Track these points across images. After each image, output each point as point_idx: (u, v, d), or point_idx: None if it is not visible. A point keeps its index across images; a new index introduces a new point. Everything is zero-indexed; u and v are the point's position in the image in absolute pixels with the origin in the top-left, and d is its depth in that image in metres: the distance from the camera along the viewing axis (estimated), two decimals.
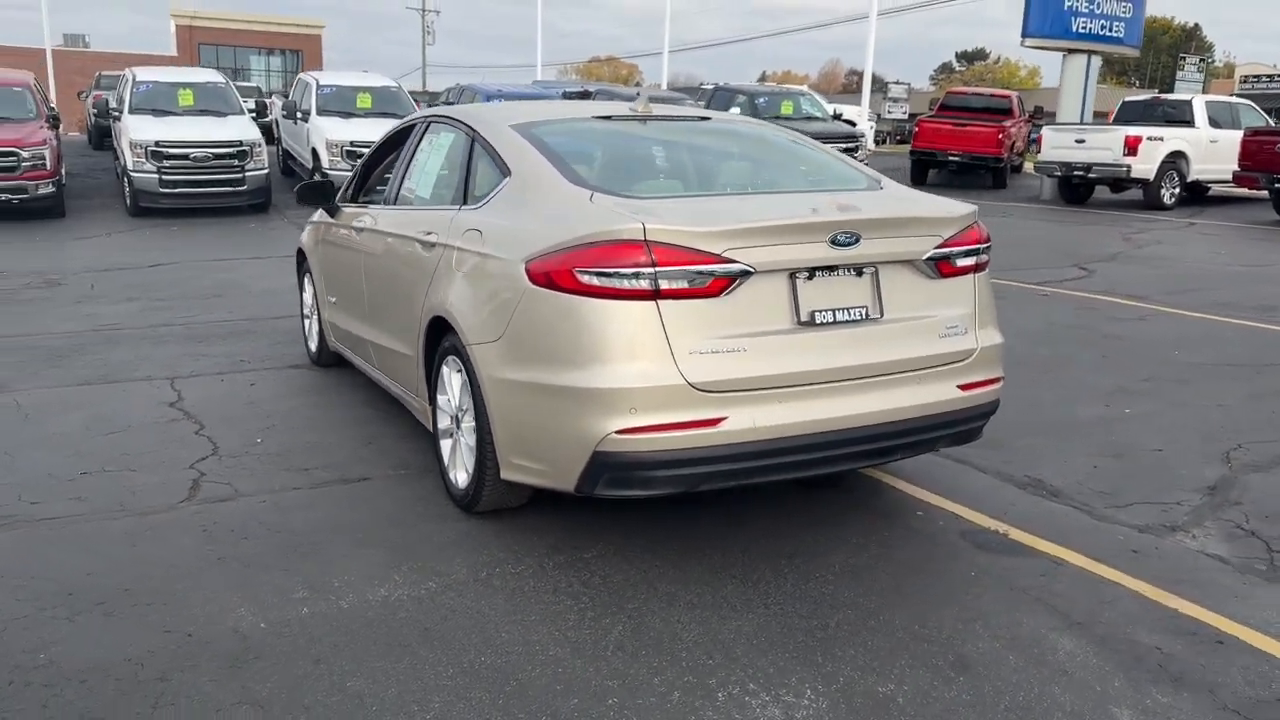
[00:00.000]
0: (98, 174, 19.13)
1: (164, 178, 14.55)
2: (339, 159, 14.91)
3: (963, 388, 3.91)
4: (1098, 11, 19.52)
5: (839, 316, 3.67)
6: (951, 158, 21.24)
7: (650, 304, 3.39)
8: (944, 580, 3.73)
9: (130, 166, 14.57)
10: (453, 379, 4.17)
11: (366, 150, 6.72)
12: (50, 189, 13.95)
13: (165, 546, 3.88)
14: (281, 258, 10.82)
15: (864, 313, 3.72)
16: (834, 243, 3.59)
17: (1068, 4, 19.27)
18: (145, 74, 16.68)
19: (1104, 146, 17.70)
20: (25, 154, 13.80)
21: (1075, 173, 18.14)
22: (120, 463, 4.81)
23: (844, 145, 18.67)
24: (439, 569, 3.72)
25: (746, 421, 3.46)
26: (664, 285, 3.38)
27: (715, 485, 3.59)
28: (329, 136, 15.30)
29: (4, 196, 13.60)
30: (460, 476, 4.19)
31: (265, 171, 15.23)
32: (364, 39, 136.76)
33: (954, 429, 3.95)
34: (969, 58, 68.86)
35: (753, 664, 3.13)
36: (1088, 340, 7.73)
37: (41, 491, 4.43)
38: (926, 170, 21.94)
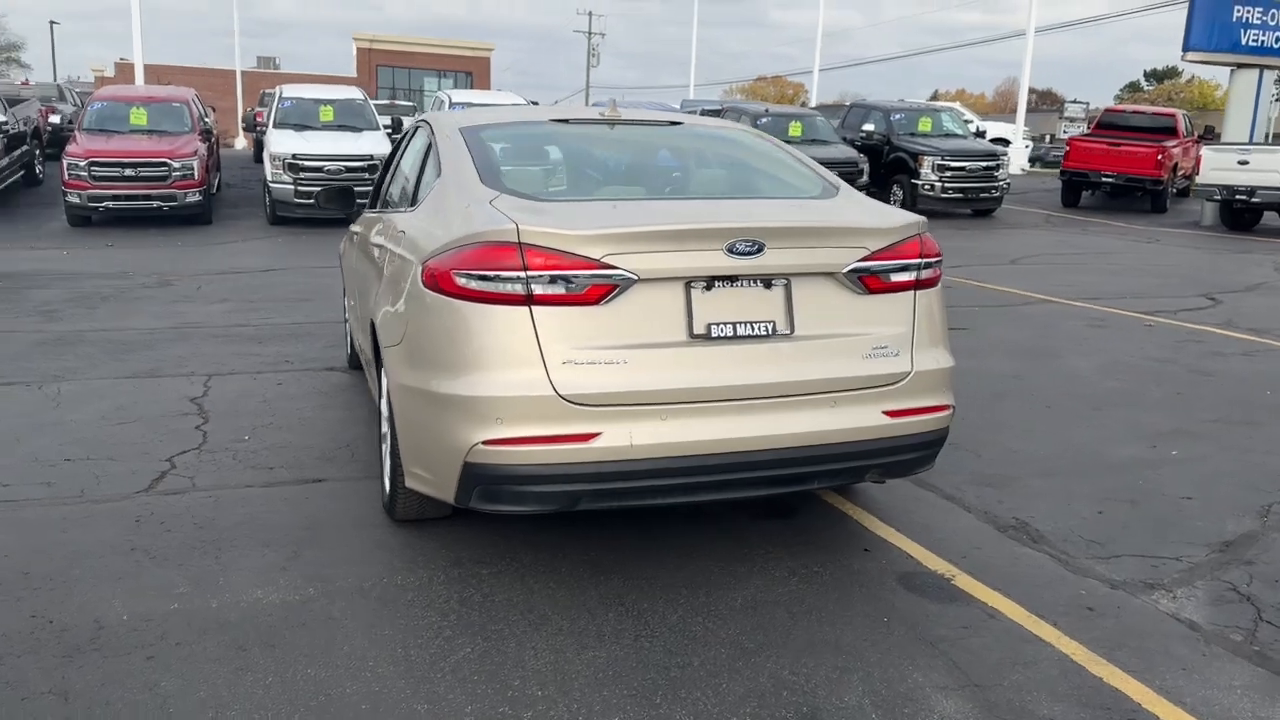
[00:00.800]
0: (253, 184, 20.31)
1: (299, 189, 15.27)
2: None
3: (891, 414, 3.56)
4: (1272, 23, 17.94)
5: (740, 331, 3.41)
6: (1105, 179, 19.95)
7: (523, 309, 3.23)
8: (848, 624, 3.40)
9: (270, 178, 15.37)
10: (381, 384, 4.13)
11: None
12: (198, 197, 14.85)
13: (90, 534, 3.98)
14: None
15: (770, 328, 3.45)
16: (732, 251, 3.34)
17: (1237, 15, 17.80)
18: (291, 90, 17.62)
19: (1270, 168, 16.21)
20: (175, 164, 14.75)
21: (1238, 196, 16.69)
22: (107, 452, 4.99)
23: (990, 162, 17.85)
24: (327, 575, 3.66)
25: (623, 438, 3.25)
26: (537, 290, 3.22)
27: (596, 505, 3.40)
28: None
29: (155, 203, 14.58)
30: (386, 484, 4.13)
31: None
32: (539, 60, 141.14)
33: (882, 459, 3.61)
34: (1159, 76, 64.72)
35: (583, 699, 2.92)
36: (1169, 375, 7.02)
37: (19, 475, 4.64)
38: (1079, 191, 20.71)
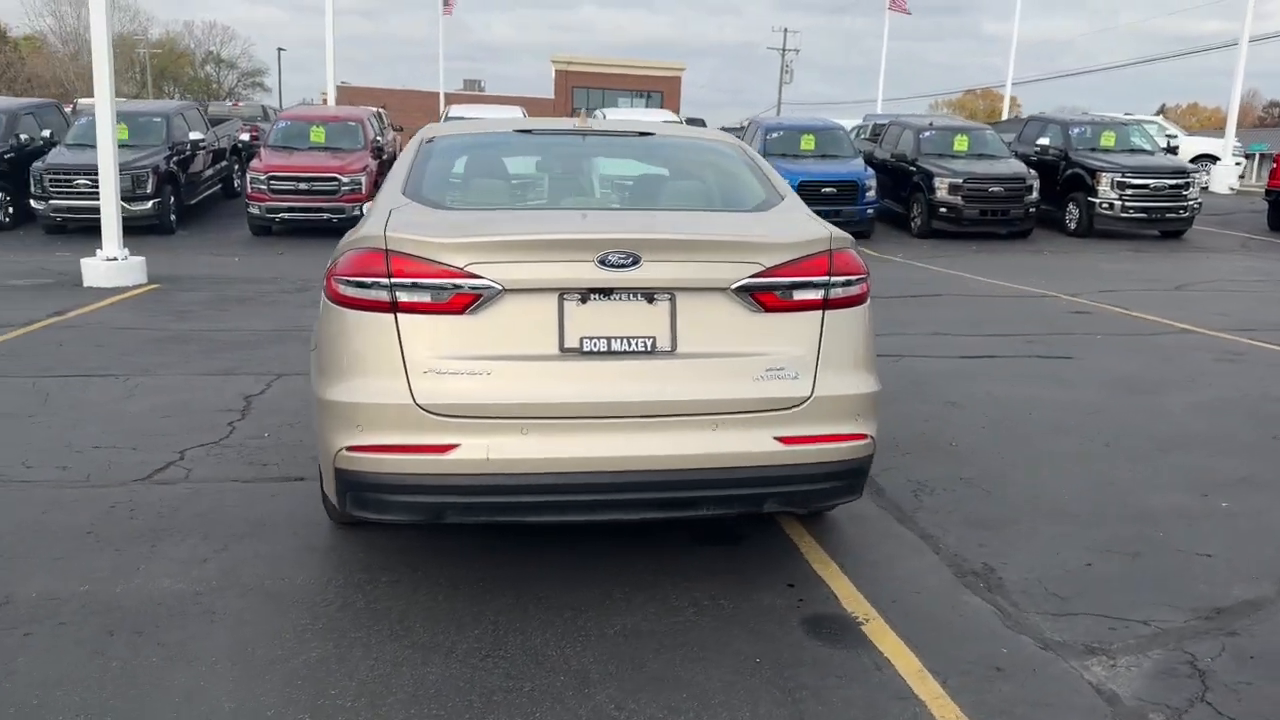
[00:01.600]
0: None
1: None
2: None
3: (785, 440, 3.33)
4: None
5: (615, 346, 3.28)
6: None
7: (388, 316, 3.23)
8: (714, 663, 3.19)
9: None
10: None
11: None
12: (362, 211, 15.81)
13: (64, 517, 4.28)
14: None
15: (650, 344, 3.29)
16: (604, 263, 3.21)
17: None
18: (458, 110, 18.45)
19: None
20: (344, 179, 15.74)
21: None
22: (135, 441, 5.35)
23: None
24: (237, 571, 3.78)
25: (480, 452, 3.19)
26: (402, 298, 3.21)
27: (465, 519, 3.35)
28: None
29: (325, 215, 15.58)
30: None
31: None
32: (737, 77, 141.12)
33: (778, 488, 3.37)
34: None
35: (386, 716, 2.87)
36: (1276, 419, 6.21)
37: (46, 458, 5.05)
38: None
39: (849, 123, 28.74)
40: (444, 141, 4.31)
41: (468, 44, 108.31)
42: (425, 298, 3.21)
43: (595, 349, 3.26)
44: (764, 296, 3.33)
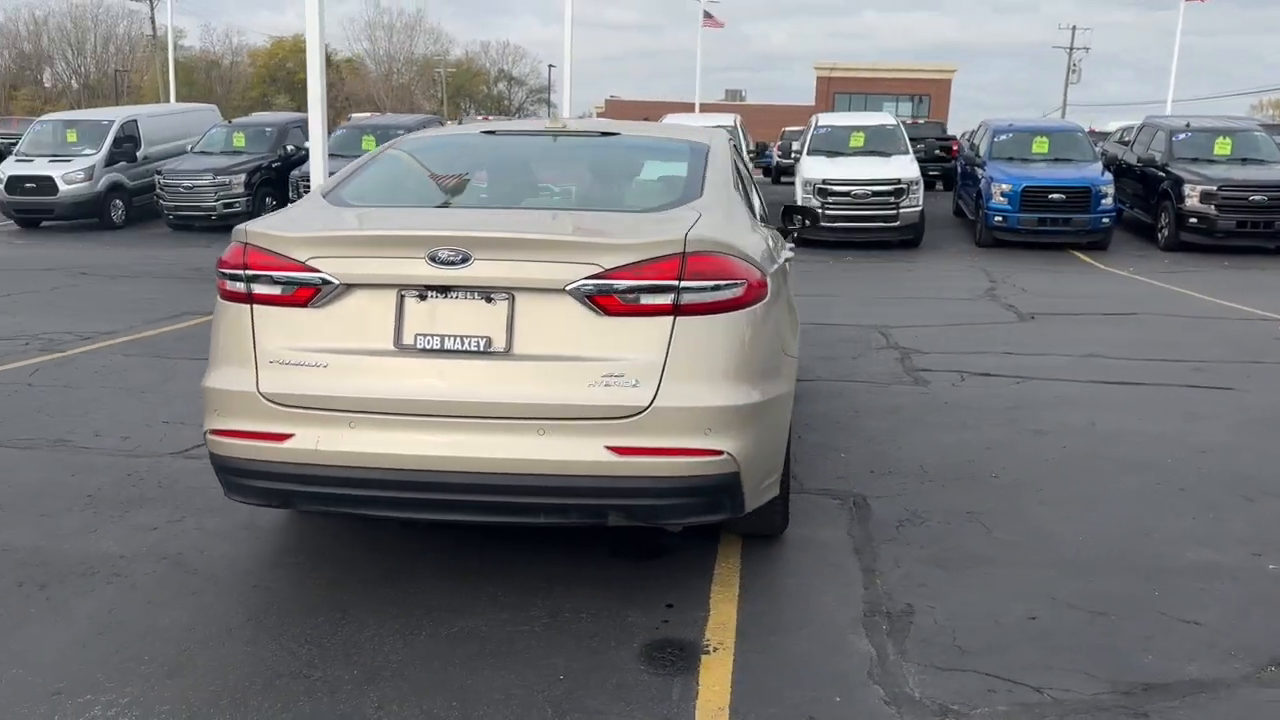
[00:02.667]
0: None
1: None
2: (811, 196, 15.82)
3: (619, 450, 3.15)
4: None
5: (448, 344, 3.23)
6: None
7: (245, 307, 3.37)
8: (511, 672, 3.07)
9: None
10: None
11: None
12: None
13: (83, 480, 4.78)
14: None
15: (484, 344, 3.22)
16: (434, 260, 3.18)
17: None
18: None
19: None
20: None
21: None
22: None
23: None
24: (166, 541, 4.06)
25: (310, 442, 3.26)
26: (255, 290, 3.34)
27: (310, 507, 3.43)
28: (805, 175, 16.16)
29: None
30: None
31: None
32: (1034, 77, 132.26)
33: (616, 500, 3.19)
34: None
35: (170, 680, 3.00)
36: None
37: (120, 428, 5.66)
38: None
39: (1118, 124, 26.53)
40: (415, 140, 4.46)
41: (745, 54, 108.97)
42: (274, 290, 3.32)
43: (428, 346, 3.24)
44: (603, 300, 3.17)
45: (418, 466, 3.19)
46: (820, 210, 14.87)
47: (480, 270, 3.18)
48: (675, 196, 3.75)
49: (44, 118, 21.46)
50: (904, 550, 4.05)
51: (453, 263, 3.17)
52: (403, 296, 3.25)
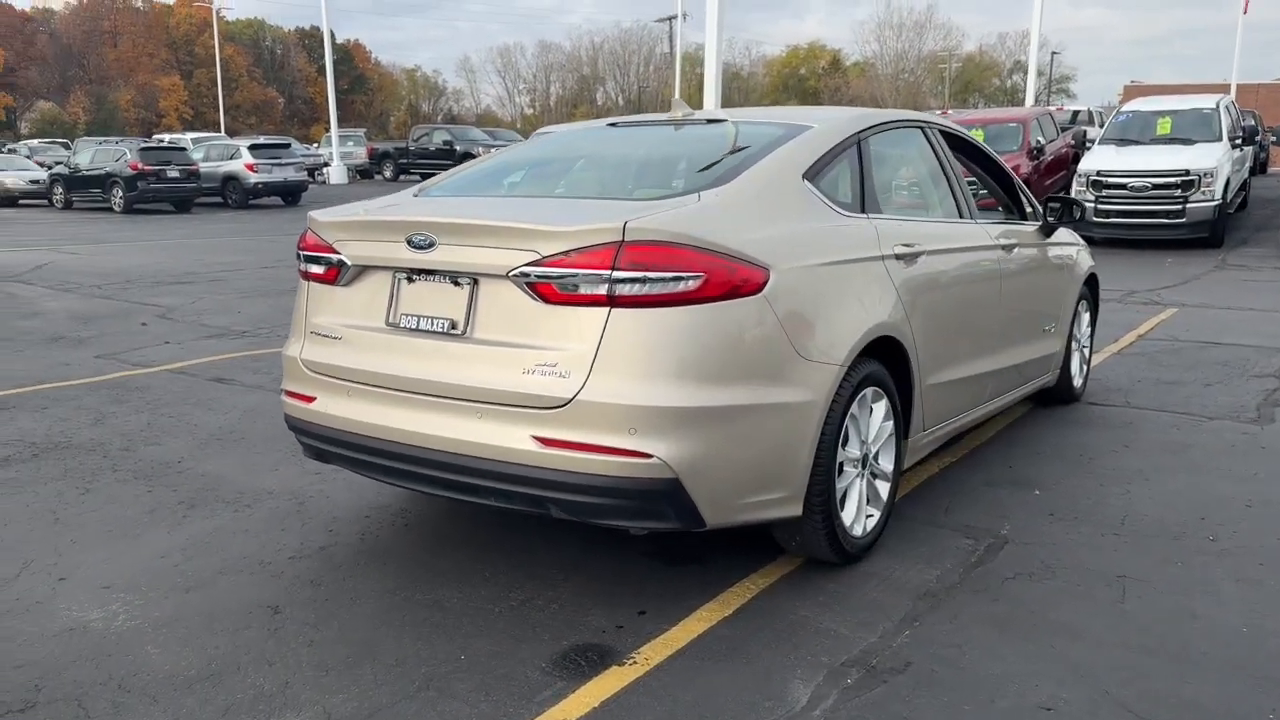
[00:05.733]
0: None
1: (1098, 207, 14.65)
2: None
3: (544, 441, 3.06)
4: None
5: (421, 325, 3.37)
6: None
7: (303, 284, 3.80)
8: (422, 644, 3.11)
9: (1073, 195, 15.07)
10: None
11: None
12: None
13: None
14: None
15: (448, 325, 3.30)
16: (410, 244, 3.34)
17: None
18: (1134, 104, 16.62)
19: None
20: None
21: None
22: None
23: None
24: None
25: (324, 406, 3.59)
26: (309, 269, 3.74)
27: (337, 464, 3.73)
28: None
29: None
30: None
31: (1214, 204, 14.02)
32: None
33: (550, 493, 3.09)
34: None
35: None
36: None
37: None
38: None
39: None
40: (542, 135, 4.65)
41: None
42: (316, 269, 3.69)
43: (408, 325, 3.41)
44: (542, 287, 3.10)
45: (386, 437, 3.37)
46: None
47: (444, 255, 3.28)
48: (695, 184, 3.52)
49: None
50: (974, 605, 3.41)
51: (423, 247, 3.31)
52: (397, 279, 3.46)
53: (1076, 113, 27.81)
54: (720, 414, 3.05)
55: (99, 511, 4.30)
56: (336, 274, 3.60)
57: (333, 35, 38.56)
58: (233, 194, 27.29)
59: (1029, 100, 24.84)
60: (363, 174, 38.08)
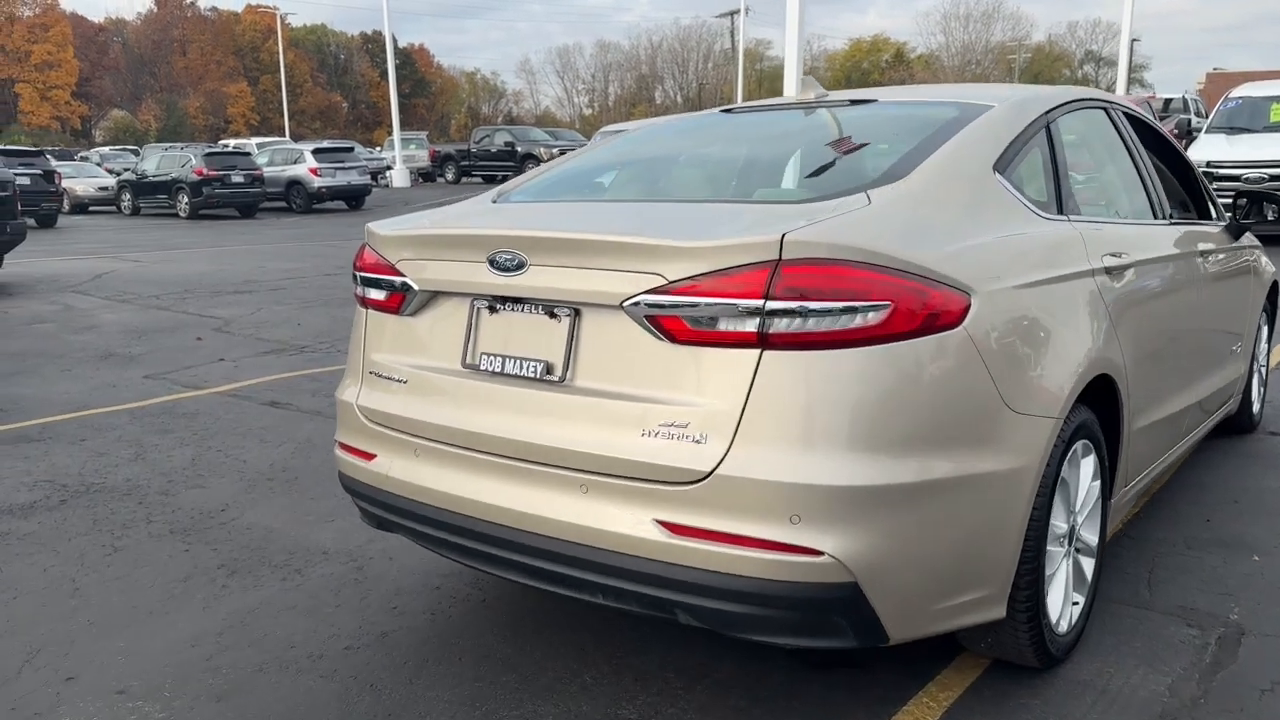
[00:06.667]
0: None
1: None
2: None
3: (671, 528, 2.30)
4: None
5: (508, 367, 2.62)
6: None
7: (362, 313, 3.09)
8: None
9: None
10: None
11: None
12: None
13: None
14: None
15: (541, 369, 2.55)
16: (494, 265, 2.60)
17: None
18: (1244, 90, 15.42)
19: None
20: None
21: None
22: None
23: None
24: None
25: (386, 467, 2.86)
26: (367, 294, 3.02)
27: (405, 535, 3.00)
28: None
29: None
30: None
31: None
32: None
33: (677, 595, 2.32)
34: None
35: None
36: None
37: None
38: None
39: None
40: (633, 132, 3.88)
41: None
42: (378, 294, 2.97)
43: (492, 369, 2.66)
44: (667, 321, 2.33)
45: (462, 510, 2.64)
46: None
47: (537, 279, 2.53)
48: (853, 181, 2.72)
49: None
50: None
51: (509, 269, 2.57)
52: (476, 309, 2.72)
53: (1169, 100, 26.29)
54: (912, 493, 2.26)
55: (125, 579, 3.64)
56: (401, 301, 2.87)
57: (394, 39, 38.36)
58: (297, 198, 27.02)
59: (1120, 89, 23.52)
60: (425, 177, 37.84)
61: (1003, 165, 2.88)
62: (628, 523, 2.34)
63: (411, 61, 78.52)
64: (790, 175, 3.15)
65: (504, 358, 2.63)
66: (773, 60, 65.80)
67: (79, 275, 13.28)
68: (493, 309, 2.67)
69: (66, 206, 27.22)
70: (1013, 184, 2.89)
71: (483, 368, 2.67)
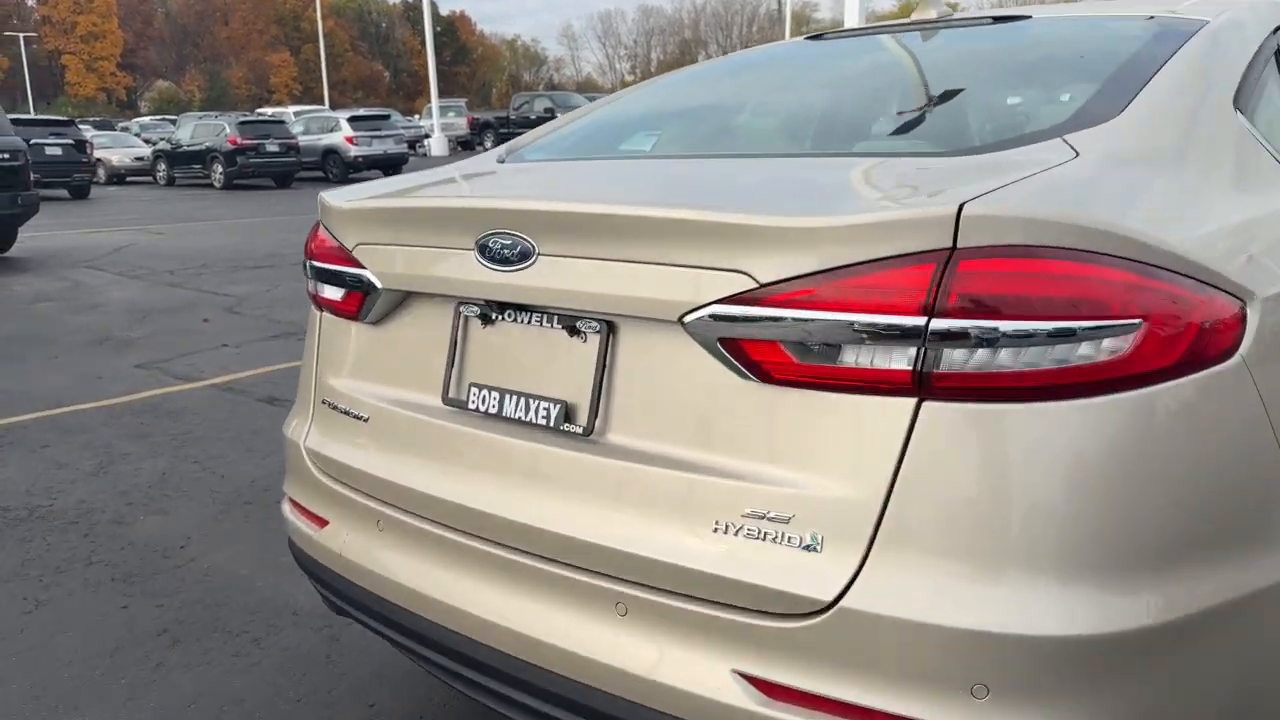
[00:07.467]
0: None
1: None
2: None
3: (763, 689, 1.41)
4: None
5: (508, 408, 1.74)
6: None
7: (315, 315, 2.22)
8: None
9: None
10: None
11: None
12: None
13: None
14: None
15: (558, 414, 1.66)
16: (484, 254, 1.70)
17: None
18: None
19: None
20: None
21: None
22: None
23: None
24: None
25: (341, 540, 2.01)
26: (320, 291, 2.15)
27: (361, 624, 2.15)
28: None
29: None
30: None
31: None
32: None
33: None
34: None
35: None
36: None
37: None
38: None
39: None
40: (688, 70, 2.94)
41: None
42: (328, 292, 2.10)
43: (483, 407, 1.78)
44: (755, 347, 1.43)
45: (437, 619, 1.77)
46: None
47: (549, 275, 1.63)
48: (1050, 121, 1.78)
49: None
50: None
51: (508, 260, 1.68)
52: (463, 317, 1.84)
53: None
54: (1175, 635, 1.35)
55: (38, 651, 2.84)
56: (360, 303, 1.99)
57: (434, 5, 37.52)
58: (333, 168, 26.32)
59: None
60: (464, 145, 37.04)
61: (1243, 102, 1.92)
62: (690, 673, 1.45)
63: (453, 29, 77.59)
64: (932, 122, 2.16)
65: (502, 393, 1.74)
66: (819, 23, 63.98)
67: (98, 249, 12.65)
68: (486, 319, 1.78)
69: (103, 177, 26.85)
70: (1259, 129, 1.93)
71: (471, 406, 1.79)
